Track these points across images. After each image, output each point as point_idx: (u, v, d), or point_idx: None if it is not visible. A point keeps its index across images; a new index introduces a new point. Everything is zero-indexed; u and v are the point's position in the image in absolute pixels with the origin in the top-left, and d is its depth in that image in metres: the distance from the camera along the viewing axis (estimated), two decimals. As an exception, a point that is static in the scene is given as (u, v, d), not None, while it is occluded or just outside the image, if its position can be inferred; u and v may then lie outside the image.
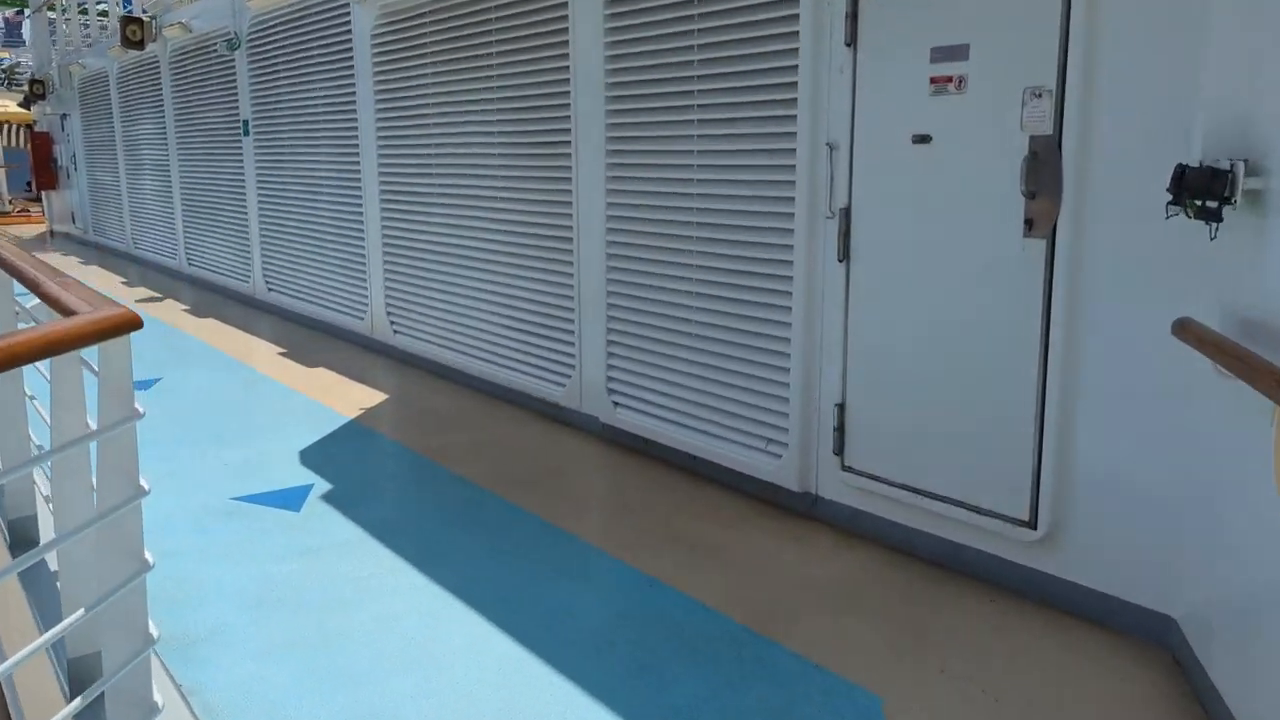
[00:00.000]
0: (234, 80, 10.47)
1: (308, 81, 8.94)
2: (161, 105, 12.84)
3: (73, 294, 2.65)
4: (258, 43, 9.81)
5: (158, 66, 12.76)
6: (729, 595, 3.75)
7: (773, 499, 4.67)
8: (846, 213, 4.14)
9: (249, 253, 10.72)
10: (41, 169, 19.29)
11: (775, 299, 4.56)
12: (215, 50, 10.86)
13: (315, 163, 9.04)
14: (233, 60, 10.42)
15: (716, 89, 4.77)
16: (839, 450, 4.32)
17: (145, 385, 7.15)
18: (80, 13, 17.18)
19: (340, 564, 4.05)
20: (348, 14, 8.06)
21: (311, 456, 5.48)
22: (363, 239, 8.31)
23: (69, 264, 15.32)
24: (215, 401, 6.73)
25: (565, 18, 5.70)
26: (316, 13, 8.58)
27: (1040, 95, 3.41)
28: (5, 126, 25.66)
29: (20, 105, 20.27)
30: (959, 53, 3.65)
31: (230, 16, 10.20)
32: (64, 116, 18.09)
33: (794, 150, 4.34)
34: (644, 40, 5.15)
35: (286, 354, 8.31)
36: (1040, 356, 3.52)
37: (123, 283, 13.00)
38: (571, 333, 5.97)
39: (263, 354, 8.31)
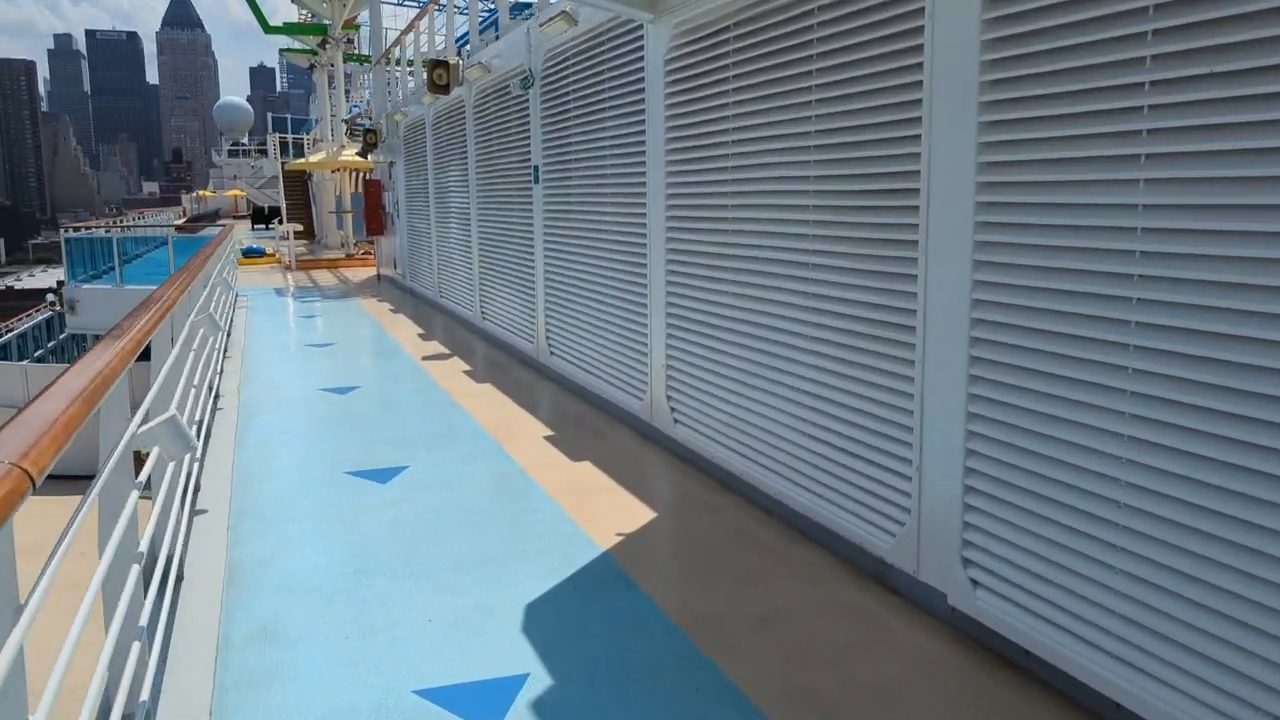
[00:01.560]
0: (527, 123, 9.60)
1: (597, 121, 7.78)
2: (465, 152, 12.41)
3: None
4: (551, 79, 8.84)
5: (463, 112, 12.36)
6: None
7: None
8: None
9: (534, 311, 9.78)
10: (372, 215, 20.10)
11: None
12: (508, 93, 10.10)
13: (600, 213, 7.84)
14: (527, 101, 9.57)
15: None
16: None
17: (390, 475, 6.14)
18: (409, 63, 17.61)
19: None
20: (641, 39, 6.76)
21: (539, 620, 4.04)
22: (645, 305, 6.94)
23: (380, 310, 15.46)
24: (456, 507, 5.53)
25: (920, 27, 3.95)
26: (609, 38, 7.38)
27: None
28: (353, 175, 27.57)
29: (358, 154, 21.36)
30: None
31: (526, 52, 9.35)
32: (391, 164, 18.66)
33: None
34: (1049, 36, 3.29)
35: (554, 438, 7.09)
36: None
37: (419, 334, 12.65)
38: (909, 461, 4.14)
39: (528, 437, 7.14)
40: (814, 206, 4.81)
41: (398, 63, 18.62)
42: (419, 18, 16.21)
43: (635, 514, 5.37)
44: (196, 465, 5.85)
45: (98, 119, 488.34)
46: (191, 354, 5.79)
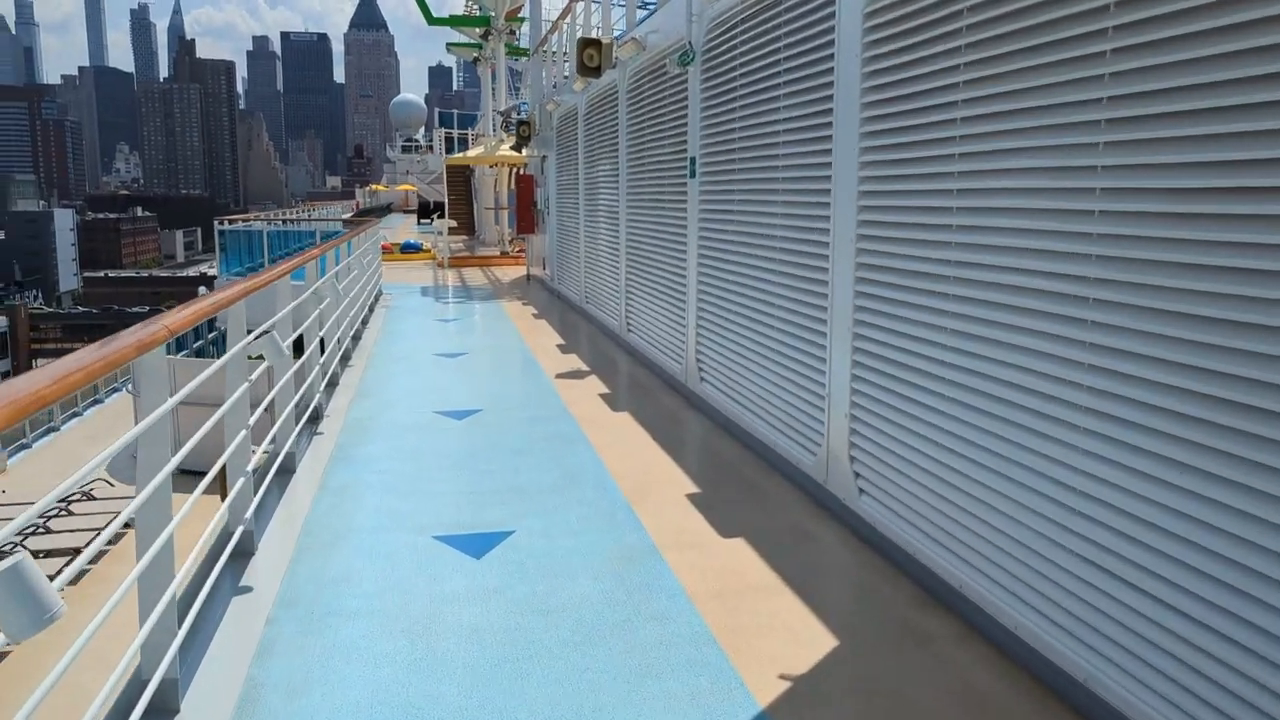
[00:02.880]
0: (684, 108, 8.16)
1: (768, 102, 6.26)
2: (616, 143, 11.09)
3: None
4: (714, 53, 7.36)
5: (615, 98, 11.04)
6: None
7: None
8: None
9: (683, 328, 8.34)
10: (523, 212, 19.14)
11: None
12: (664, 74, 8.69)
13: (768, 213, 6.31)
14: (684, 81, 8.13)
15: None
16: None
17: (487, 545, 4.81)
18: (564, 54, 16.49)
19: None
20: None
21: None
22: (824, 332, 5.37)
23: (522, 315, 14.38)
24: (563, 610, 4.12)
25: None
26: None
27: None
28: (511, 170, 26.87)
29: (513, 148, 20.47)
30: None
31: (686, 23, 7.90)
32: (544, 158, 17.61)
33: None
34: None
35: (698, 498, 5.61)
36: None
37: (559, 345, 11.42)
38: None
39: (665, 493, 5.69)
40: (1101, 214, 3.16)
41: (553, 53, 17.55)
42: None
43: (806, 640, 3.82)
44: (256, 514, 4.68)
45: (288, 116, 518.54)
46: (246, 385, 4.59)
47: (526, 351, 11.00)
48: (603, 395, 8.48)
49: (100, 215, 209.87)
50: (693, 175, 7.94)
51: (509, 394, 8.81)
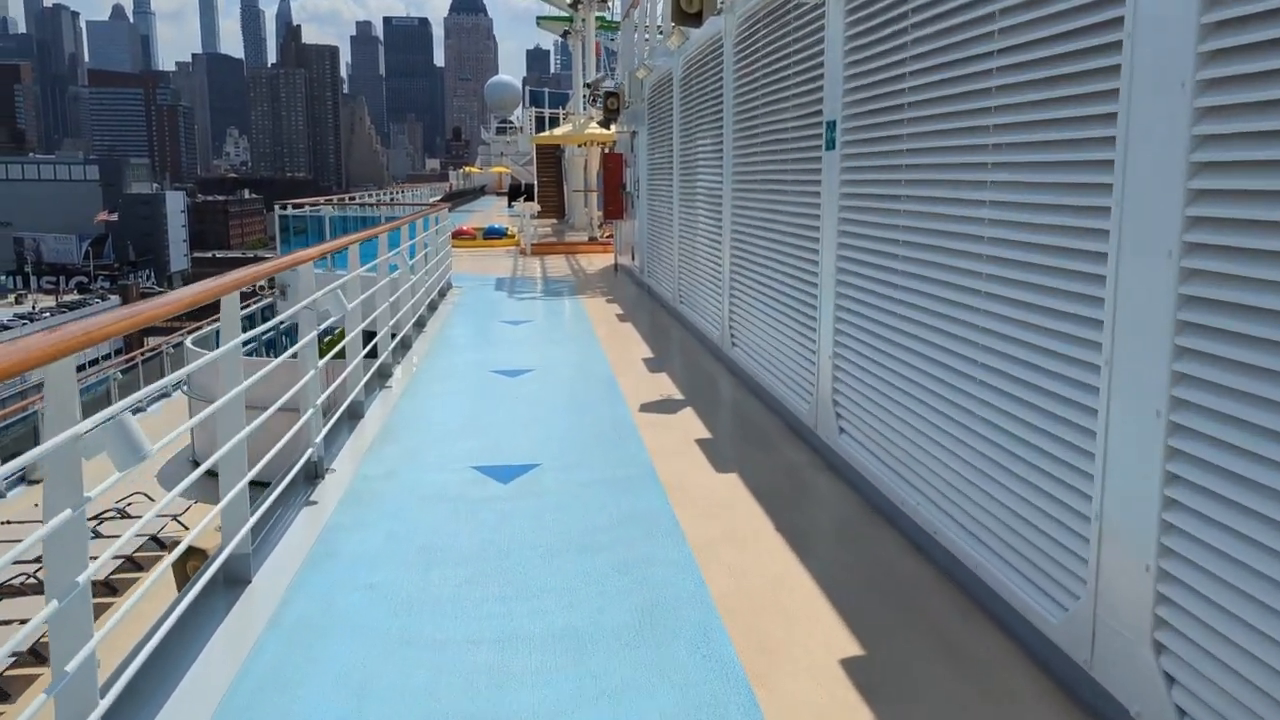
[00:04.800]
0: (818, 57, 5.95)
1: (951, 47, 4.02)
2: (720, 110, 8.90)
3: None
4: (867, -26, 5.12)
5: (720, 53, 8.83)
6: None
7: None
8: None
9: (812, 353, 6.15)
10: (611, 195, 17.06)
11: None
12: (792, 11, 6.47)
13: (968, 203, 4.06)
14: (820, 18, 5.90)
15: None
16: None
17: None
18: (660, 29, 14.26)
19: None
20: None
21: None
22: (1097, 407, 3.13)
23: (606, 316, 12.33)
24: None
25: None
26: None
27: None
28: (601, 149, 24.82)
29: (599, 124, 18.37)
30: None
31: (824, -63, 5.67)
32: (634, 134, 15.48)
33: None
34: None
35: (858, 667, 3.43)
36: None
37: (645, 360, 9.32)
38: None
39: (809, 662, 3.52)
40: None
41: (646, 21, 15.35)
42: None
43: None
44: None
45: (390, 100, 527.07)
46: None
47: (606, 369, 8.91)
48: (701, 444, 6.33)
49: (209, 197, 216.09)
50: (830, 146, 5.72)
51: (577, 438, 6.69)
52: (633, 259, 16.15)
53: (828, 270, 5.78)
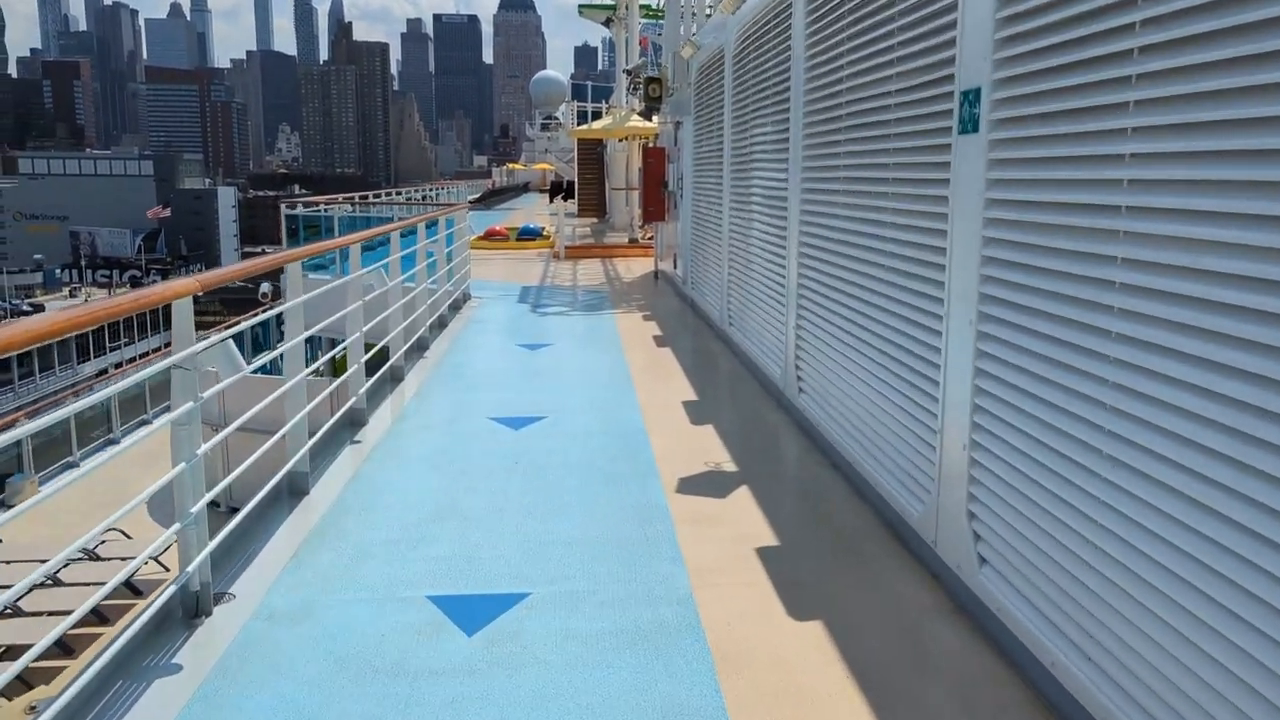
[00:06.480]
0: (951, 13, 4.01)
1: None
2: (786, 89, 6.96)
3: None
4: None
5: (788, 18, 6.91)
6: None
7: None
8: None
9: (932, 427, 4.19)
10: (650, 193, 15.14)
11: None
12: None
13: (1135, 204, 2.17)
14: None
15: None
16: None
17: None
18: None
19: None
20: None
21: None
22: None
23: (641, 338, 10.44)
24: None
25: None
26: None
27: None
28: (641, 144, 22.92)
29: (640, 115, 16.46)
30: None
31: None
32: (678, 125, 13.55)
33: None
34: None
35: None
36: None
37: (686, 404, 7.39)
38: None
39: None
40: None
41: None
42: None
43: None
44: None
45: (439, 97, 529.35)
46: None
47: (636, 418, 6.98)
48: (763, 555, 4.41)
49: (260, 193, 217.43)
50: (969, 129, 3.77)
51: (588, 544, 4.67)
52: (674, 266, 14.24)
53: (961, 305, 3.83)
